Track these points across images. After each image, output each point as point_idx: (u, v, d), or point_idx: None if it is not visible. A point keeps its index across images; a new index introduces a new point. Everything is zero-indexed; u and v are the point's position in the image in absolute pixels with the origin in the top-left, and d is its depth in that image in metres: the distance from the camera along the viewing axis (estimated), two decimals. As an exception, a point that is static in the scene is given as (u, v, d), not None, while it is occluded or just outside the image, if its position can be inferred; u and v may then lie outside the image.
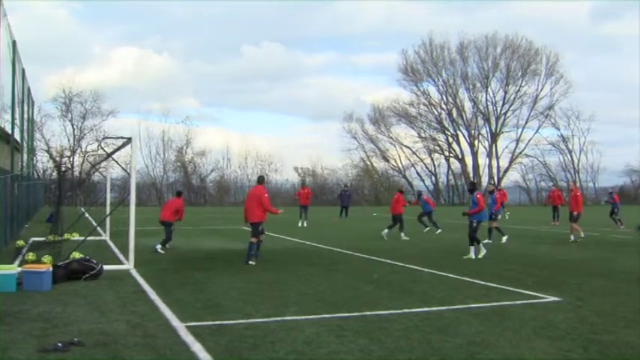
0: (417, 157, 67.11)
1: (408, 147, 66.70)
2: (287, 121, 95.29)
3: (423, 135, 67.15)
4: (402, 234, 18.71)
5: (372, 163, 67.90)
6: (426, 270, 11.63)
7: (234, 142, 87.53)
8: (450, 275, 10.99)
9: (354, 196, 56.40)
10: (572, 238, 17.86)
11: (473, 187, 15.34)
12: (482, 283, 10.13)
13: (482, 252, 13.98)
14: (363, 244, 16.57)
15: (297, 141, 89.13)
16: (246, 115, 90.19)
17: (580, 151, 66.93)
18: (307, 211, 25.97)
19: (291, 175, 63.57)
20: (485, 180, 63.79)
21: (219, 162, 60.87)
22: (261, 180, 13.22)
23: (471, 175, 65.08)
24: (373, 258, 13.65)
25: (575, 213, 17.77)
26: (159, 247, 14.73)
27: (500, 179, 64.16)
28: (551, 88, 64.02)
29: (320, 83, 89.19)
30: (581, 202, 18.14)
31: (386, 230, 19.03)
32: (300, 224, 25.06)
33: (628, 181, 68.56)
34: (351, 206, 35.20)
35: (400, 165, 67.19)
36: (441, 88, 65.51)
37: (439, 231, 20.87)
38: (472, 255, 13.64)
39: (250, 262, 12.32)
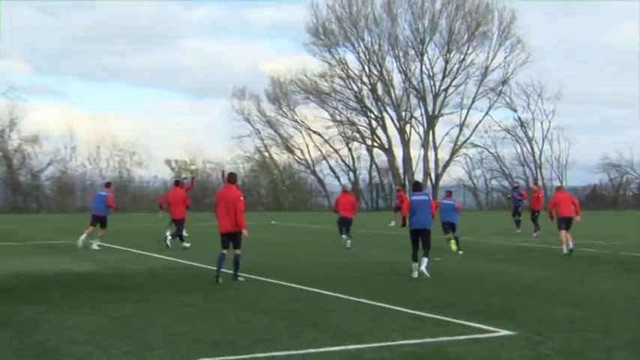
0: (331, 146, 68.10)
1: (319, 133, 67.54)
2: (156, 96, 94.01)
3: (338, 118, 68.19)
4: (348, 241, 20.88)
5: (271, 155, 68.26)
6: (340, 295, 11.74)
7: (81, 125, 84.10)
8: (372, 302, 11.09)
9: (247, 197, 56.07)
10: (564, 250, 18.84)
11: (419, 187, 15.75)
12: (414, 312, 10.26)
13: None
14: (257, 263, 16.59)
15: (170, 124, 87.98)
16: (98, 88, 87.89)
17: (543, 140, 69.56)
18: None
19: (161, 170, 62.53)
20: (419, 177, 65.35)
21: (59, 152, 58.85)
22: (233, 178, 14.26)
23: (401, 170, 66.73)
24: (270, 281, 13.75)
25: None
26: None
27: (438, 176, 66.18)
28: (506, 57, 65.83)
29: (201, 47, 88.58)
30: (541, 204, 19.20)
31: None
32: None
33: (605, 178, 72.20)
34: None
35: (308, 157, 67.95)
36: (362, 55, 66.51)
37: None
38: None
39: (240, 278, 13.76)
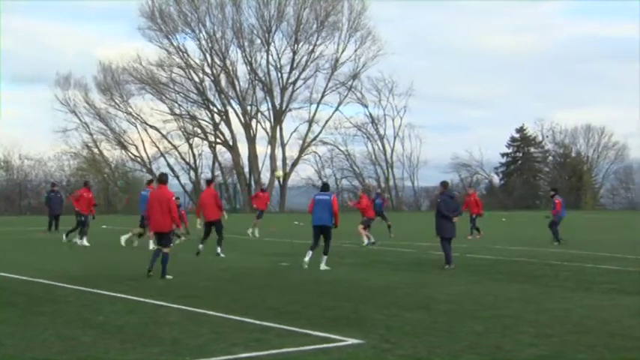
0: (169, 142, 67.15)
1: (156, 128, 66.42)
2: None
3: (177, 111, 67.34)
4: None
5: (101, 151, 66.25)
6: (179, 306, 11.73)
7: None
8: (213, 313, 11.13)
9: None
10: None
11: (325, 188, 18.36)
12: (256, 322, 10.39)
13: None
14: (85, 273, 16.27)
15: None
16: None
17: (394, 138, 72.10)
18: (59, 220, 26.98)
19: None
20: (265, 176, 65.74)
21: None
22: (164, 179, 16.06)
23: (246, 168, 66.86)
24: (97, 291, 13.48)
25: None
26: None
27: (286, 175, 66.83)
28: (356, 50, 67.71)
29: (19, 27, 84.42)
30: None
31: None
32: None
33: (456, 177, 75.74)
34: (64, 214, 33.87)
35: (144, 154, 66.63)
36: (203, 43, 66.03)
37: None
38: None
39: (168, 276, 15.18)
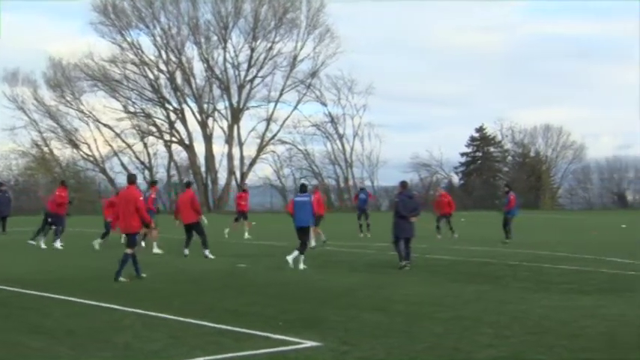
0: (123, 141, 66.49)
1: (109, 126, 65.67)
2: None
3: (131, 109, 66.79)
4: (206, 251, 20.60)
5: (51, 150, 65.34)
6: (134, 310, 11.65)
7: None
8: (169, 316, 11.09)
9: (23, 199, 53.68)
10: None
11: (304, 189, 19.19)
12: (213, 325, 10.37)
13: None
14: (33, 275, 16.16)
15: None
16: None
17: (354, 137, 72.33)
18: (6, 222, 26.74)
19: None
20: (222, 176, 65.56)
21: None
22: (132, 179, 16.50)
23: (202, 168, 66.55)
24: (49, 295, 13.35)
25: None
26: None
27: (244, 175, 66.73)
28: (315, 47, 67.78)
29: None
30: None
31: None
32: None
33: (416, 177, 76.33)
34: (12, 215, 33.54)
35: (97, 153, 65.88)
36: (158, 40, 65.62)
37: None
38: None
39: (121, 279, 15.05)
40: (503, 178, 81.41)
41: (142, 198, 15.98)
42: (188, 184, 23.38)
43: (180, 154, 68.03)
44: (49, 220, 24.10)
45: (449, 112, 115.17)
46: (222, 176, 67.23)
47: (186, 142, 66.76)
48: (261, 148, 68.33)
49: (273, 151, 70.18)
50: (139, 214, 15.46)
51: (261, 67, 66.91)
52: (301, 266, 17.76)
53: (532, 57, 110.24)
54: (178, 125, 67.06)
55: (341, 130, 71.66)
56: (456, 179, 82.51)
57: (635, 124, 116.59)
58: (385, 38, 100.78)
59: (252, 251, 22.11)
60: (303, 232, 18.36)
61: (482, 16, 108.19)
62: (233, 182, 64.96)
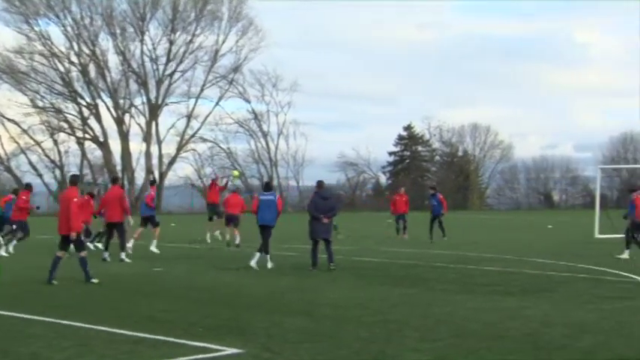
0: (31, 138, 64.76)
1: (15, 122, 63.80)
2: None
3: (40, 104, 65.05)
4: None
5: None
6: (39, 318, 11.41)
7: None
8: (79, 324, 10.89)
9: None
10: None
11: (268, 187, 19.55)
12: (128, 332, 10.22)
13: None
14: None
15: None
16: None
17: (278, 135, 72.34)
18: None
19: None
20: (140, 175, 64.51)
21: None
22: (73, 180, 16.73)
23: (118, 167, 65.35)
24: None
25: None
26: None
27: (163, 174, 65.95)
28: (238, 41, 67.48)
29: None
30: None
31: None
32: None
33: (342, 177, 76.80)
34: None
35: (1, 150, 64.00)
36: (69, 30, 64.10)
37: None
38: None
39: (94, 280, 15.37)
40: (431, 177, 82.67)
41: (76, 200, 15.55)
42: (115, 180, 22.81)
43: (94, 152, 67.06)
44: (14, 226, 22.53)
45: (377, 110, 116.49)
46: (139, 176, 66.40)
47: (101, 139, 65.65)
48: (181, 147, 67.68)
49: (194, 150, 69.66)
50: (71, 217, 15.16)
51: (181, 61, 66.24)
52: (269, 265, 18.29)
53: (461, 56, 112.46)
54: (92, 121, 65.96)
55: (265, 128, 71.80)
56: (383, 179, 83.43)
57: (562, 123, 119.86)
58: (311, 33, 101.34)
59: (171, 254, 21.89)
60: (266, 231, 18.55)
61: (412, 12, 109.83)
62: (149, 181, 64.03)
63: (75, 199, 15.47)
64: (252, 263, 18.20)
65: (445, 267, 19.06)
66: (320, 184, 19.05)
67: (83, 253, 15.54)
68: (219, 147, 70.15)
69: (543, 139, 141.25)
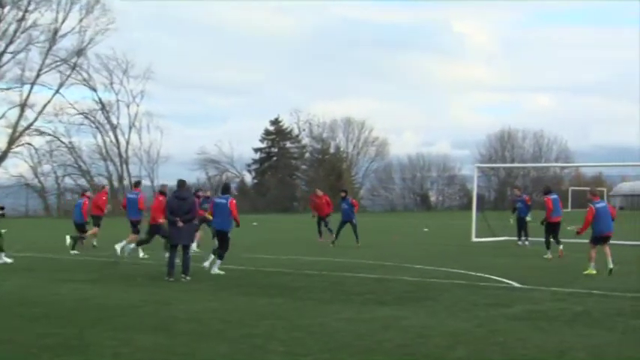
0: None
1: None
2: None
3: None
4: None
5: None
6: None
7: None
8: None
9: None
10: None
11: (224, 190, 20.39)
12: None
13: None
14: None
15: None
16: None
17: (130, 128, 70.90)
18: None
19: None
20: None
21: None
22: None
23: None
24: None
25: None
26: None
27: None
28: (81, 20, 65.53)
29: None
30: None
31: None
32: None
33: (203, 175, 76.13)
34: None
35: None
36: None
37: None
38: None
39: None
40: (301, 177, 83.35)
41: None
42: None
43: None
44: None
45: (241, 102, 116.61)
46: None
47: None
48: (13, 140, 64.92)
49: (29, 144, 66.93)
50: None
51: (12, 41, 63.16)
52: (215, 270, 19.04)
53: (333, 44, 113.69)
54: None
55: (114, 120, 70.05)
56: (248, 178, 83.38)
57: (438, 119, 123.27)
58: (166, 16, 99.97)
59: (1, 266, 21.20)
60: (220, 236, 19.27)
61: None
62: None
63: None
64: (206, 264, 19.47)
65: (317, 275, 19.24)
66: (181, 183, 18.95)
67: None
68: (60, 141, 67.64)
69: (420, 135, 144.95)
